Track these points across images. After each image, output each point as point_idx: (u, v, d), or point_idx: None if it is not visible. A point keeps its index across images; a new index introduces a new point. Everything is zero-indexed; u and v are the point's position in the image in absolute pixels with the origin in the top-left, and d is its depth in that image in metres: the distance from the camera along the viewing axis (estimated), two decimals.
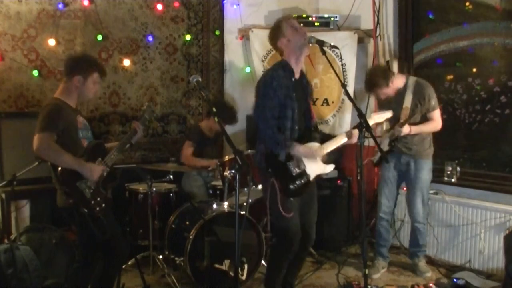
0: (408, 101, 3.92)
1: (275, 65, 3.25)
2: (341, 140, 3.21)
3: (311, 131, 3.28)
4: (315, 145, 3.23)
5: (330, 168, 3.32)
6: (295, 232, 3.20)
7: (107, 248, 3.07)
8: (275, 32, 3.20)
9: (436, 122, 3.95)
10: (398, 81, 3.98)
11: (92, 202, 2.92)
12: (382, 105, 4.10)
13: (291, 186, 3.12)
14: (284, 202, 3.11)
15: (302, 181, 3.15)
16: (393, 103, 3.95)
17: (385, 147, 3.97)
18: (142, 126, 3.29)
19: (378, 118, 3.53)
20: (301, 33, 3.15)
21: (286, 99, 3.11)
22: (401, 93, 3.96)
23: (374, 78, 3.94)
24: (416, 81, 3.97)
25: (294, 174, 3.13)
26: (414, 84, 3.95)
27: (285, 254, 3.26)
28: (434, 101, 3.93)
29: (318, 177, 3.31)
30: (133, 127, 3.28)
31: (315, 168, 3.22)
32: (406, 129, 3.84)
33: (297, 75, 3.22)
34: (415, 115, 3.90)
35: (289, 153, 3.11)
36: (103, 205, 2.97)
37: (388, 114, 3.51)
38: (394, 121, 3.92)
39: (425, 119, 3.96)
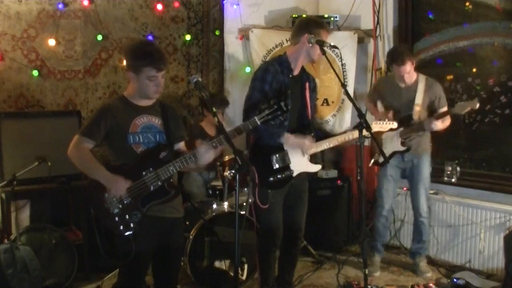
0: (419, 98, 3.91)
1: (274, 59, 3.30)
2: (333, 143, 3.24)
3: (305, 129, 3.28)
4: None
5: (316, 167, 3.33)
6: (275, 226, 3.24)
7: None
8: (306, 28, 3.13)
9: (448, 118, 3.93)
10: (414, 74, 3.96)
11: (116, 218, 2.55)
12: (389, 101, 4.05)
13: (270, 179, 3.15)
14: (261, 193, 3.16)
15: (283, 175, 3.18)
16: (402, 98, 3.96)
17: (398, 147, 3.97)
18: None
19: (379, 127, 3.50)
20: (319, 52, 3.10)
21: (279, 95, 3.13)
22: (412, 89, 3.94)
23: (403, 49, 3.90)
24: (427, 79, 3.97)
25: (275, 167, 3.16)
26: (425, 82, 3.94)
27: (268, 247, 3.30)
28: (444, 99, 3.96)
29: (305, 174, 3.32)
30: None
31: (300, 164, 3.24)
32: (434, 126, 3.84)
33: (295, 72, 3.24)
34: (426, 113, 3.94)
35: (277, 146, 3.15)
36: (132, 225, 2.55)
37: (393, 125, 3.47)
38: (400, 118, 3.90)
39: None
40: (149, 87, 2.63)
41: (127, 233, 2.55)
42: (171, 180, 2.66)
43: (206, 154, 2.58)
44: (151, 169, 2.58)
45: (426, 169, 4.06)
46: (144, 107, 2.70)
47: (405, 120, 3.91)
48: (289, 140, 3.16)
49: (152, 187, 2.58)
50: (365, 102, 4.46)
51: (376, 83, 4.41)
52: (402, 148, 3.97)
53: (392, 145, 3.99)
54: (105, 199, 2.56)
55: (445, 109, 3.92)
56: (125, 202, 2.56)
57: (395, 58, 3.87)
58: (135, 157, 2.62)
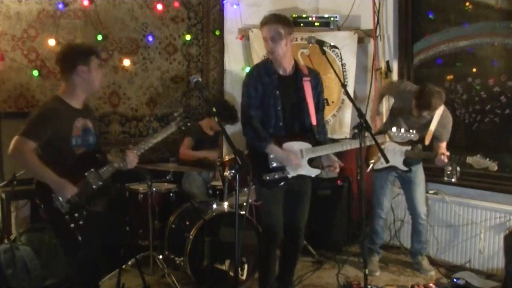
0: (434, 125, 3.89)
1: (260, 62, 3.34)
2: (327, 151, 3.23)
3: (307, 132, 3.25)
4: (300, 146, 3.20)
5: (314, 172, 3.28)
6: (273, 225, 3.23)
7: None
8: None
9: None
10: None
11: (67, 217, 2.64)
12: (405, 116, 3.94)
13: (266, 178, 3.15)
14: (256, 190, 3.20)
15: (278, 175, 3.17)
16: (419, 120, 3.87)
17: (399, 164, 3.96)
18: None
19: (400, 138, 3.41)
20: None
21: (268, 97, 3.14)
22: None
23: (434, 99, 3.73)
24: (444, 110, 3.93)
25: (271, 167, 3.16)
26: (442, 111, 3.89)
27: (267, 246, 3.30)
28: (448, 134, 3.95)
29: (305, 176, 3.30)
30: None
31: (298, 167, 3.21)
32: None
33: (284, 71, 3.21)
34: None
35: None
36: (81, 222, 2.67)
37: (413, 136, 3.42)
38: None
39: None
40: (99, 76, 2.84)
41: (76, 230, 2.66)
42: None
43: (134, 159, 2.85)
44: (92, 170, 2.74)
45: (422, 172, 4.11)
46: (79, 109, 2.82)
47: (416, 141, 3.83)
48: (273, 151, 3.13)
49: (95, 186, 2.73)
50: (377, 93, 4.42)
51: (400, 87, 4.15)
52: (403, 168, 3.96)
53: (392, 159, 3.88)
54: (53, 199, 2.64)
55: (445, 143, 3.92)
56: (72, 202, 2.66)
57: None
58: (76, 158, 2.73)
